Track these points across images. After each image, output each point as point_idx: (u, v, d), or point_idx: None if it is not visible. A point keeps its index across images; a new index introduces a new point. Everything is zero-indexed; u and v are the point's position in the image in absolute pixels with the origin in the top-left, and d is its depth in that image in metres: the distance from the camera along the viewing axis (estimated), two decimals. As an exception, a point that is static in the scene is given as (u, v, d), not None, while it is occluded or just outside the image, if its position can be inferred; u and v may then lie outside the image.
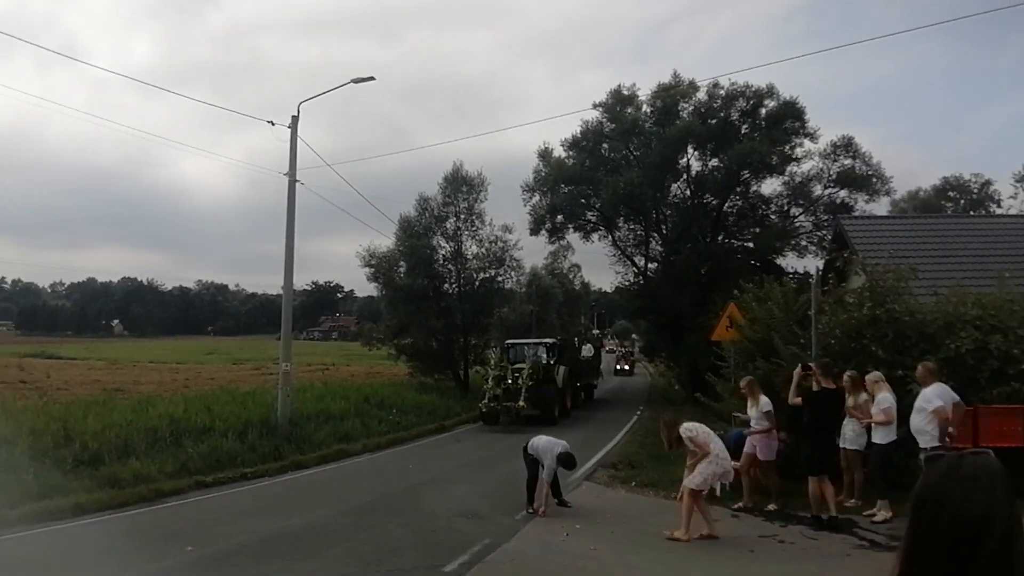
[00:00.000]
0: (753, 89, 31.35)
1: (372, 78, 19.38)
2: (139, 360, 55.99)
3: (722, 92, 31.60)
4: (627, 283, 37.30)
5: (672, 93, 31.68)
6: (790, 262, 32.67)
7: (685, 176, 33.31)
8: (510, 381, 23.91)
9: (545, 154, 34.33)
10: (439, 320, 30.52)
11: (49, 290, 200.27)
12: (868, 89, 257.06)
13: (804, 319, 12.52)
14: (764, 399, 10.95)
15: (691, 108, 32.10)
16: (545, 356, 26.82)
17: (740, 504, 10.76)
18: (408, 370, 32.60)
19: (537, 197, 34.35)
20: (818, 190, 31.80)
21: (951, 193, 45.78)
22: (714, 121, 31.63)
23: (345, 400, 22.37)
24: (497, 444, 19.26)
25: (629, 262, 36.43)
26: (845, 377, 10.44)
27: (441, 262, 31.53)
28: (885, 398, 9.91)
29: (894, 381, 10.38)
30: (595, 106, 32.87)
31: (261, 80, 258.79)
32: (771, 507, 10.70)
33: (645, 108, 32.85)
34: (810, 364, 10.39)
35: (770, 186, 32.72)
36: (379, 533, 9.84)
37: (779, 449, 11.34)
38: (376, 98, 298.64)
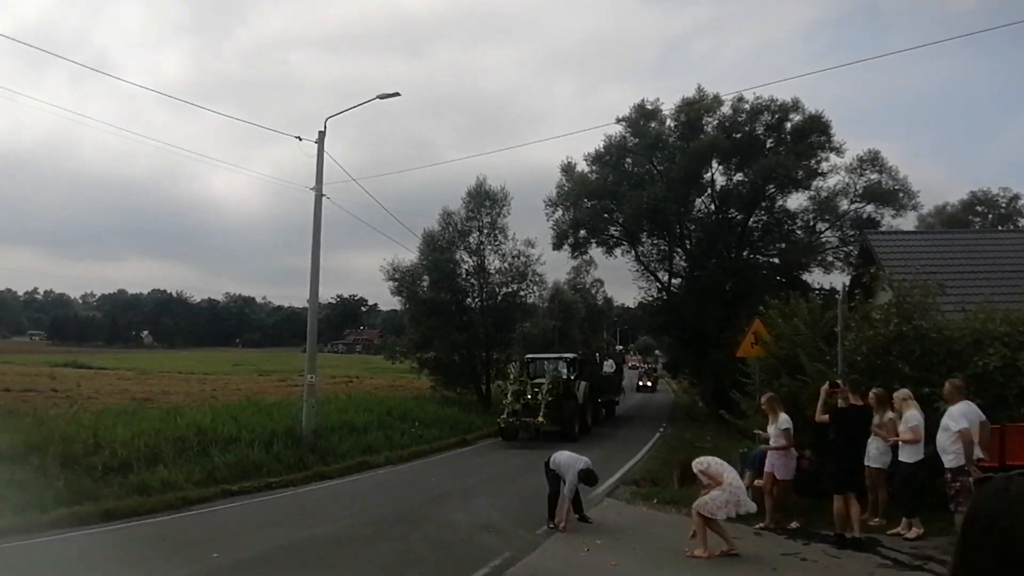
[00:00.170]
0: (778, 103, 31.31)
1: (397, 94, 19.62)
2: (168, 370, 56.66)
3: (747, 106, 31.58)
4: (650, 298, 37.23)
5: (696, 107, 31.67)
6: (816, 278, 32.50)
7: (709, 191, 33.24)
8: (529, 396, 23.57)
9: (568, 169, 34.43)
10: (461, 334, 30.62)
11: (80, 301, 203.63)
12: (894, 103, 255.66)
13: (830, 335, 12.42)
14: (783, 416, 10.84)
15: (715, 122, 32.08)
16: (565, 371, 26.49)
17: (763, 524, 10.66)
18: (430, 383, 32.68)
19: (560, 212, 34.48)
20: (844, 205, 31.64)
21: (979, 207, 45.19)
22: (739, 135, 31.55)
23: (368, 412, 22.52)
24: (518, 459, 19.24)
25: (652, 277, 36.37)
26: (871, 394, 10.33)
27: (464, 276, 31.67)
28: (913, 416, 9.78)
29: (921, 398, 10.26)
30: (618, 120, 33.01)
31: (289, 96, 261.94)
32: (793, 525, 10.60)
33: (669, 122, 32.91)
34: (838, 381, 10.30)
35: (796, 201, 32.62)
36: (401, 545, 9.90)
37: (804, 467, 11.24)
38: (401, 113, 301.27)
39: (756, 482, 11.10)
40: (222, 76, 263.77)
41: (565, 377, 25.88)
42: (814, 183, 31.58)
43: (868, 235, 21.57)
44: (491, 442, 23.35)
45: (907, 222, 31.42)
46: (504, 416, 23.23)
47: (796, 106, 31.28)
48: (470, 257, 31.63)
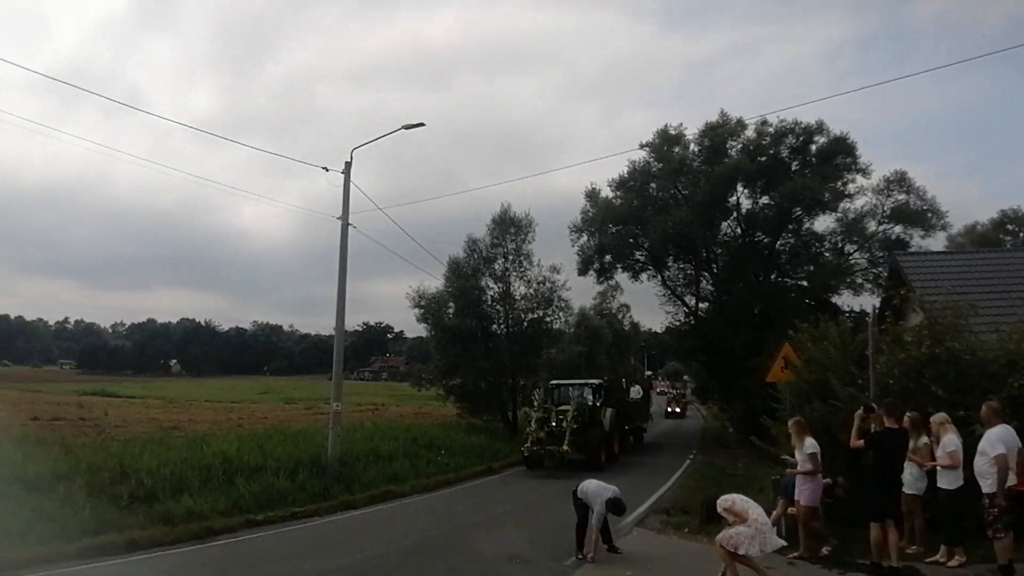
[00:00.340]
0: (802, 126, 31.12)
1: (422, 124, 19.77)
2: (195, 399, 57.14)
3: (771, 129, 31.44)
4: (677, 323, 36.94)
5: (720, 132, 31.58)
6: (846, 300, 32.10)
7: (735, 214, 33.03)
8: (554, 424, 23.02)
9: (592, 195, 34.44)
10: (487, 361, 30.52)
11: (110, 330, 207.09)
12: (920, 123, 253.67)
13: (861, 359, 12.15)
14: (809, 441, 10.54)
15: (739, 146, 31.92)
16: (591, 397, 25.92)
17: (796, 553, 10.35)
18: (457, 411, 32.56)
19: (585, 237, 34.45)
20: (872, 226, 31.20)
21: (1009, 226, 44.34)
22: (763, 158, 31.34)
23: (394, 440, 22.42)
24: (546, 487, 19.02)
25: (679, 302, 36.12)
26: (906, 418, 10.06)
27: (489, 303, 31.68)
28: (951, 441, 9.48)
29: (956, 421, 9.96)
30: (642, 146, 33.00)
31: (316, 128, 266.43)
32: (825, 550, 10.27)
33: (692, 147, 32.80)
34: (872, 405, 10.04)
35: (823, 223, 32.24)
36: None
37: (839, 494, 10.94)
38: (427, 143, 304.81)
39: (789, 510, 10.81)
40: (252, 110, 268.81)
41: (591, 403, 25.41)
42: (841, 205, 31.26)
43: (897, 256, 21.20)
44: (518, 470, 23.02)
45: (936, 242, 30.94)
46: (528, 444, 22.69)
47: (821, 128, 31.07)
48: (495, 283, 31.73)
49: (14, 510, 11.04)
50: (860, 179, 30.90)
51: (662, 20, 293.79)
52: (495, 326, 32.00)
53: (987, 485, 8.63)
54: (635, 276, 36.13)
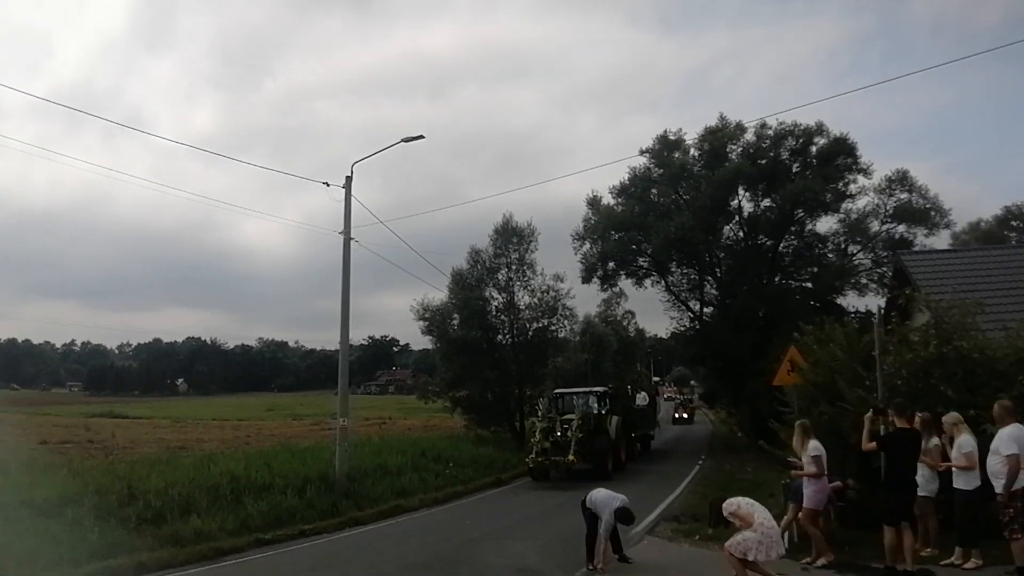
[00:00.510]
0: (802, 127, 31.09)
1: (422, 136, 19.77)
2: (202, 418, 57.22)
3: (770, 132, 31.44)
4: (682, 328, 36.86)
5: (719, 136, 31.60)
6: (851, 301, 31.87)
7: (737, 218, 33.01)
8: (559, 433, 22.68)
9: (594, 202, 34.43)
10: (493, 371, 30.47)
11: (116, 351, 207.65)
12: (920, 121, 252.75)
13: (868, 360, 12.05)
14: (812, 444, 10.42)
15: (739, 149, 31.93)
16: (596, 406, 25.57)
17: (809, 559, 10.25)
18: (464, 422, 32.48)
19: (587, 245, 34.39)
20: (875, 226, 31.14)
21: (1014, 223, 44.16)
22: (764, 161, 31.34)
23: (402, 454, 22.33)
24: (555, 498, 18.92)
25: (684, 307, 36.04)
26: (917, 419, 9.96)
27: (494, 313, 31.61)
28: (967, 442, 9.34)
29: (966, 422, 9.86)
30: (642, 152, 33.07)
31: (317, 143, 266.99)
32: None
33: (693, 152, 32.83)
34: (881, 406, 9.95)
35: (825, 224, 32.19)
36: (436, 591, 9.68)
37: (851, 496, 10.84)
38: (428, 155, 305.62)
39: (800, 515, 10.72)
40: (252, 127, 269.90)
41: (596, 412, 25.10)
42: (843, 205, 31.25)
43: (901, 255, 21.11)
44: (527, 481, 22.85)
45: (940, 241, 30.84)
46: (532, 455, 22.34)
47: (820, 129, 31.04)
48: (499, 294, 31.67)
49: (23, 535, 11.01)
50: (861, 179, 30.89)
51: (659, 27, 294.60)
52: (500, 336, 31.93)
53: (1001, 485, 8.54)
54: (639, 282, 36.11)
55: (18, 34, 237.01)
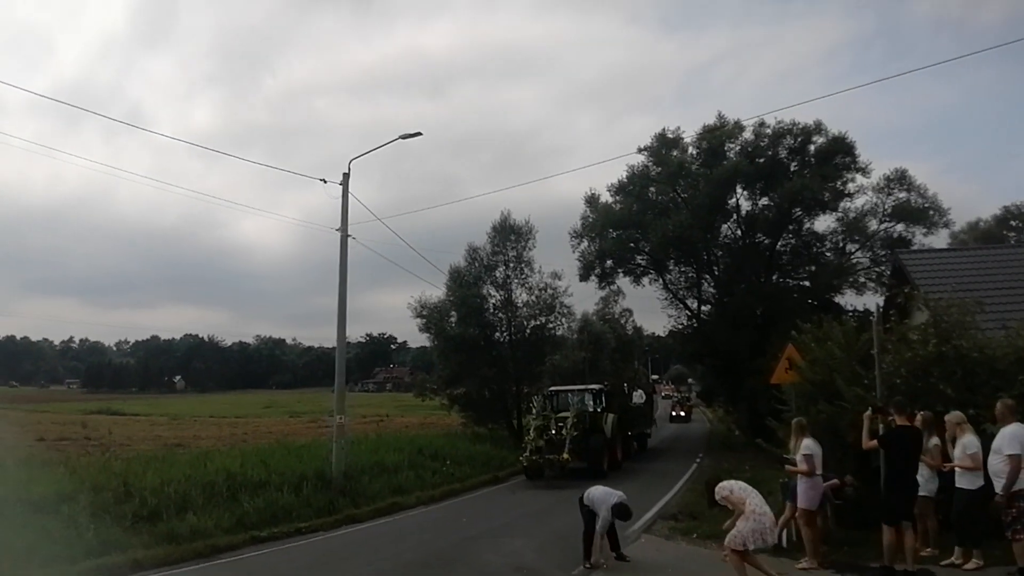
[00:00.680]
0: (800, 126, 31.06)
1: (419, 133, 19.72)
2: (199, 415, 57.19)
3: (768, 131, 31.40)
4: (680, 326, 36.82)
5: (718, 134, 31.56)
6: (849, 300, 31.94)
7: (735, 216, 32.97)
8: (553, 432, 22.47)
9: (592, 200, 34.39)
10: (491, 369, 30.42)
11: (114, 348, 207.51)
12: (919, 121, 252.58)
13: (867, 359, 12.01)
14: (806, 442, 10.33)
15: (738, 148, 31.87)
16: (592, 403, 25.38)
17: (806, 560, 10.20)
18: (461, 420, 32.44)
19: (585, 243, 34.36)
20: (874, 225, 31.11)
21: (1013, 222, 44.19)
22: (762, 160, 31.29)
23: (399, 452, 22.24)
24: (552, 495, 18.90)
25: (681, 305, 36.01)
26: (918, 418, 9.92)
27: (491, 311, 31.55)
28: (972, 442, 9.26)
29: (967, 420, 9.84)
30: (640, 150, 32.92)
31: (315, 140, 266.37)
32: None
33: (691, 150, 32.81)
34: (880, 405, 9.92)
35: (824, 223, 32.17)
36: (433, 589, 9.64)
37: (849, 494, 10.82)
38: (426, 152, 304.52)
39: (798, 514, 10.69)
40: (251, 124, 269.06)
41: (591, 410, 24.92)
42: (841, 204, 31.19)
43: (900, 254, 21.10)
44: (523, 479, 22.76)
45: (939, 240, 30.82)
46: (527, 454, 22.11)
47: (819, 128, 30.99)
48: (497, 291, 31.61)
49: (19, 532, 10.95)
50: (860, 178, 30.84)
51: (659, 26, 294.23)
52: (498, 334, 31.87)
53: (1001, 485, 8.51)
54: (636, 280, 36.09)
55: (19, 31, 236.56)
